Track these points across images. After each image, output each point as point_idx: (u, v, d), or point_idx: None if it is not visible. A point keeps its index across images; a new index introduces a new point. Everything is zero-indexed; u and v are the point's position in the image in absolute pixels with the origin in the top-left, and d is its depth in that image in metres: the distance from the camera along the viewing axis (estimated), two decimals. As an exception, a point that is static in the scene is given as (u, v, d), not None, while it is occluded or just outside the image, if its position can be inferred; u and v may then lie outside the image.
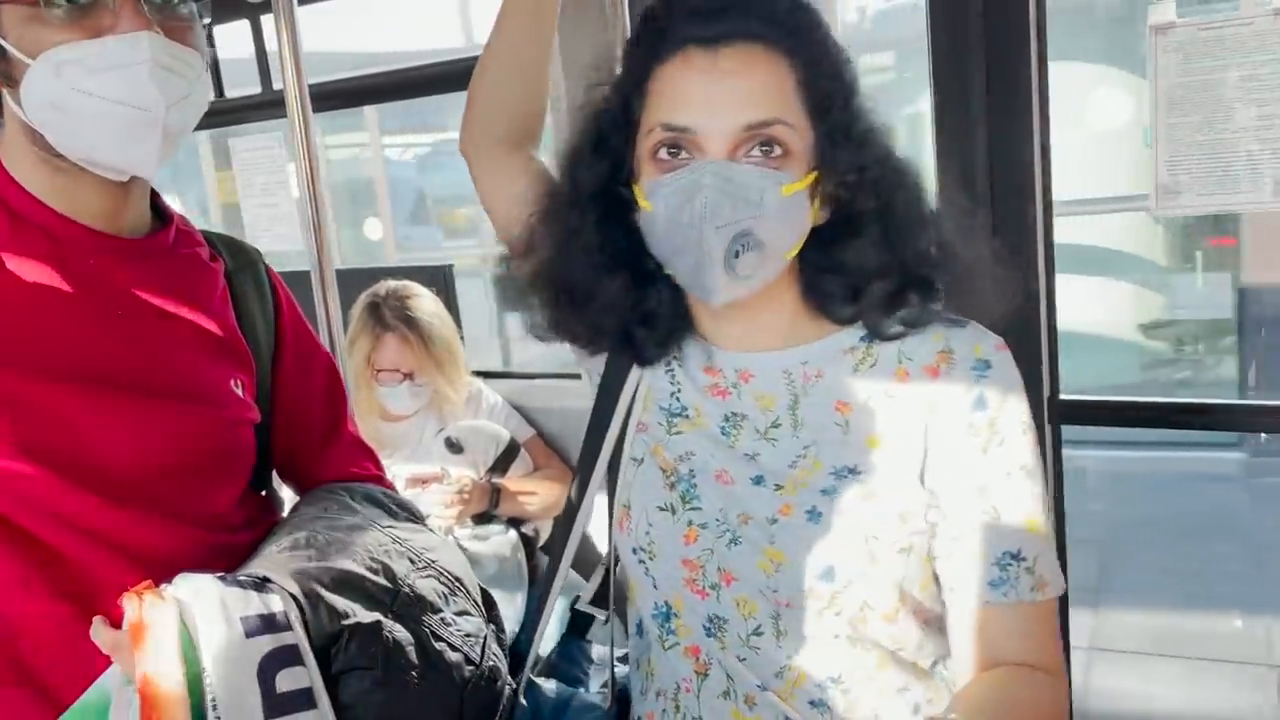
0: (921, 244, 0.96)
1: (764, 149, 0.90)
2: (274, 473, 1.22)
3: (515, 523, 2.38)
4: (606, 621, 1.16)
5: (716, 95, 0.89)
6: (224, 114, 2.79)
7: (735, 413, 1.01)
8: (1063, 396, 1.91)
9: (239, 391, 1.08)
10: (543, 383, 2.58)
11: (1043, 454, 1.01)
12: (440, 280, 2.63)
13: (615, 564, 1.10)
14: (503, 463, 2.38)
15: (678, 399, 1.04)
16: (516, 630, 1.18)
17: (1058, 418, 1.90)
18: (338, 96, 2.54)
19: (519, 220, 1.06)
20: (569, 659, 1.17)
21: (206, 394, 1.05)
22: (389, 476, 1.30)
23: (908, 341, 0.97)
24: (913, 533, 0.94)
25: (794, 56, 0.91)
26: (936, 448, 0.94)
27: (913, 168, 0.97)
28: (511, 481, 2.37)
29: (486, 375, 2.61)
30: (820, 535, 0.94)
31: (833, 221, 0.97)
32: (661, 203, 0.92)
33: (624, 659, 1.16)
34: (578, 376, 2.42)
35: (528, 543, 2.38)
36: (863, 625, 0.95)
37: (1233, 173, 1.71)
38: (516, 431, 2.45)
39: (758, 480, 0.98)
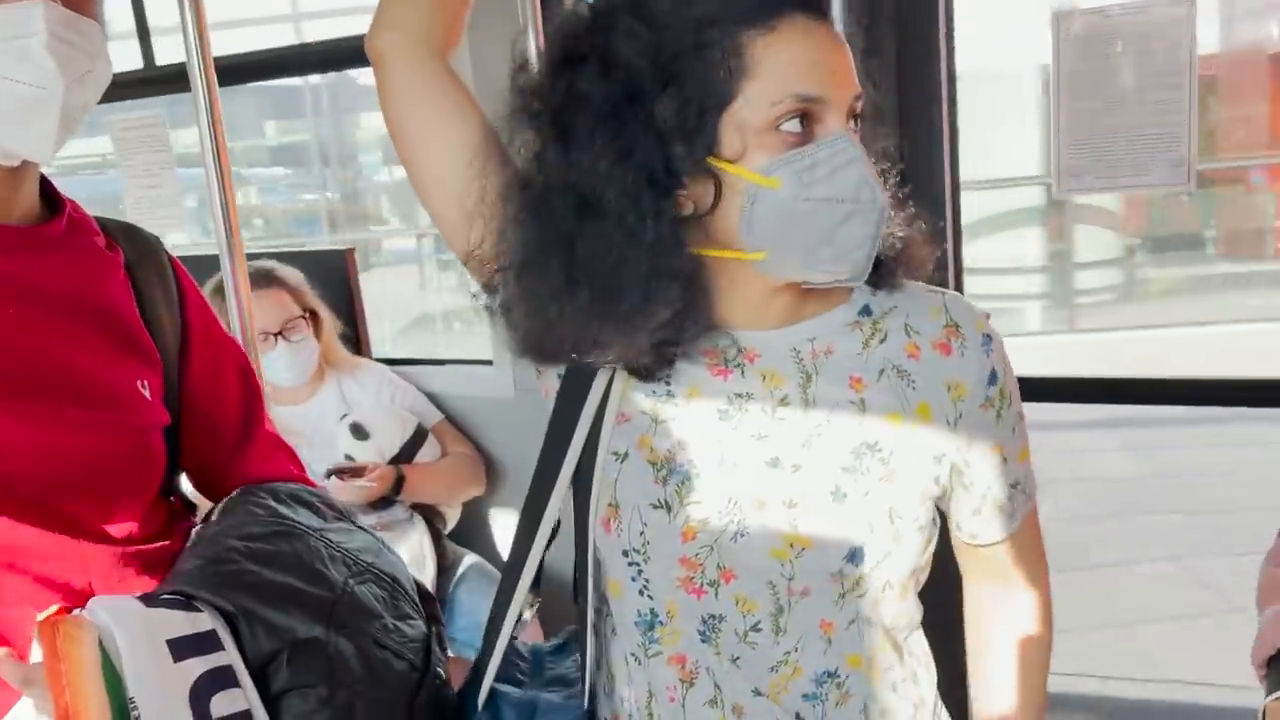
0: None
1: (854, 121, 0.90)
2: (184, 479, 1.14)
3: (422, 510, 2.33)
4: (531, 618, 1.09)
5: (836, 65, 0.87)
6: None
7: (739, 393, 0.95)
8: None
9: (146, 393, 1.00)
10: (451, 369, 2.54)
11: None
12: (338, 266, 2.55)
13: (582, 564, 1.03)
14: (410, 449, 2.32)
15: (667, 383, 0.96)
16: None
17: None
18: (244, 70, 2.43)
19: (451, 161, 0.96)
20: (504, 659, 1.08)
21: (111, 398, 0.97)
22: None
23: (911, 314, 0.96)
24: (930, 510, 0.97)
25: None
26: (961, 432, 0.96)
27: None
28: (419, 467, 2.32)
29: (394, 362, 2.55)
30: (846, 516, 0.92)
31: None
32: (799, 178, 0.85)
33: (561, 647, 1.13)
34: (487, 363, 2.41)
35: (435, 530, 2.34)
36: (879, 606, 0.96)
37: (1130, 156, 1.77)
38: (425, 417, 2.40)
39: (773, 463, 0.93)
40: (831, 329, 0.96)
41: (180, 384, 1.08)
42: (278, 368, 2.29)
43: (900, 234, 0.98)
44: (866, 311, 0.97)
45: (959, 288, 1.93)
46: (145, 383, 1.01)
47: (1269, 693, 0.94)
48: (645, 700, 1.00)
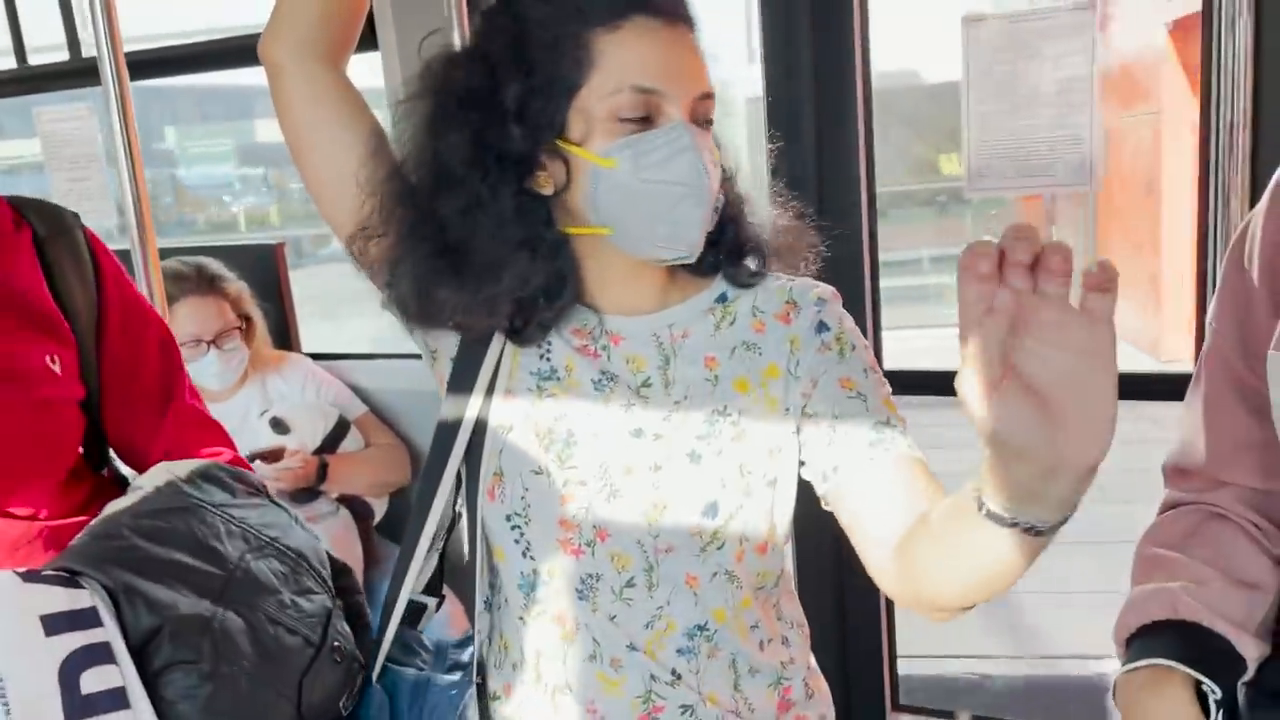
0: (750, 206, 1.08)
1: (706, 122, 0.98)
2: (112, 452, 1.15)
3: (346, 501, 2.33)
4: (438, 609, 1.14)
5: (680, 63, 0.96)
6: (28, 81, 2.62)
7: (606, 372, 1.03)
8: (887, 368, 1.99)
9: (55, 367, 1.01)
10: (379, 363, 2.54)
11: None
12: (268, 260, 2.54)
13: (466, 543, 1.07)
14: (332, 441, 2.32)
15: (548, 361, 1.05)
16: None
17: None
18: (154, 65, 2.41)
19: (343, 163, 1.02)
20: (406, 650, 1.14)
21: (13, 373, 0.98)
22: None
23: (758, 297, 1.06)
24: (779, 465, 1.02)
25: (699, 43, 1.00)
26: (804, 376, 1.02)
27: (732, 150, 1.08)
28: (342, 456, 2.32)
29: (319, 356, 2.55)
30: (702, 475, 0.99)
31: None
32: (632, 160, 0.94)
33: (467, 639, 1.15)
34: (415, 357, 2.41)
35: (361, 522, 2.34)
36: (739, 561, 1.02)
37: (1036, 157, 1.82)
38: (348, 409, 2.39)
39: (636, 433, 1.01)
40: (689, 316, 1.05)
41: (98, 358, 1.09)
42: (206, 374, 2.28)
43: (782, 233, 1.08)
44: (723, 299, 1.06)
45: (875, 303, 1.97)
46: (55, 357, 1.02)
47: (1124, 665, 0.96)
48: (535, 661, 1.05)
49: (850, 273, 1.96)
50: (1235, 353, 1.02)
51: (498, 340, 1.05)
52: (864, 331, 1.88)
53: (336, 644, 1.03)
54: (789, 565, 1.13)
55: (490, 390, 1.05)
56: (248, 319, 2.36)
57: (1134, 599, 1.01)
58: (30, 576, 0.88)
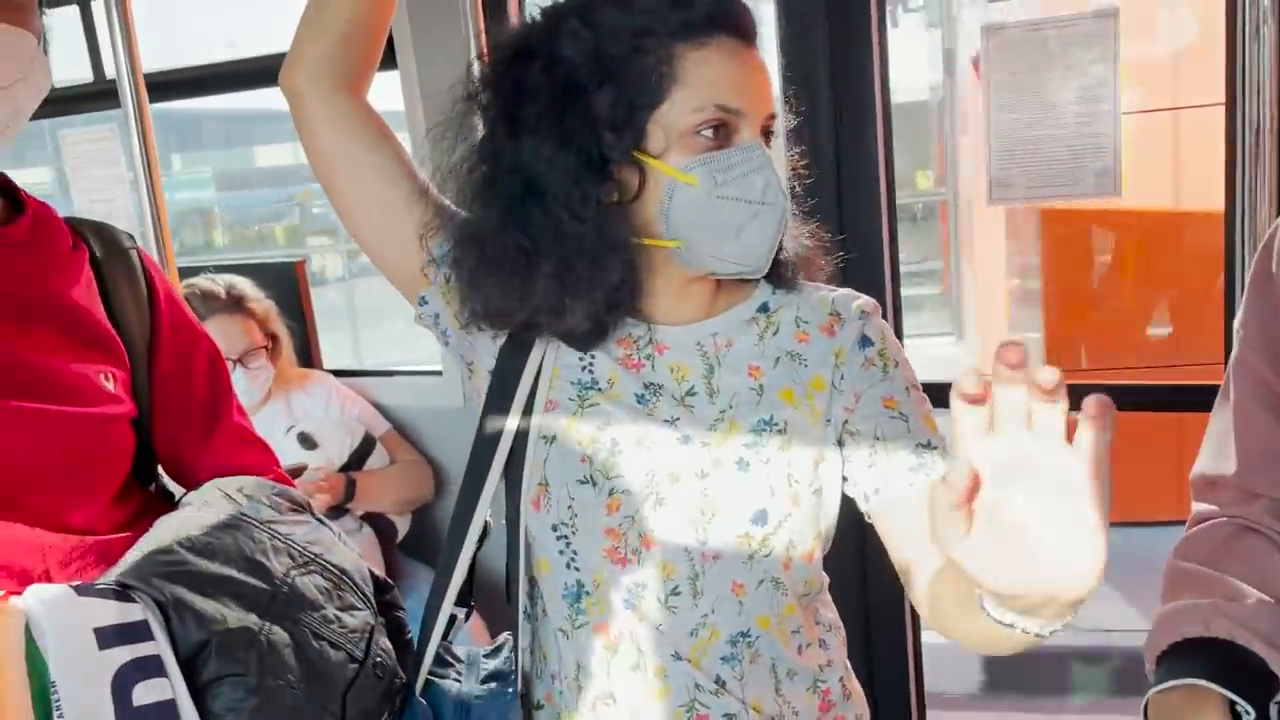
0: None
1: (765, 138, 1.00)
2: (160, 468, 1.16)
3: (370, 519, 2.34)
4: (467, 619, 1.14)
5: (754, 84, 0.98)
6: (51, 104, 2.65)
7: (652, 383, 1.04)
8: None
9: (110, 386, 1.03)
10: (400, 379, 2.55)
11: None
12: (289, 277, 2.56)
13: (512, 552, 1.08)
14: (358, 457, 2.33)
15: (590, 372, 1.05)
16: None
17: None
18: (174, 87, 2.43)
19: (367, 186, 1.04)
20: (440, 662, 1.14)
21: (71, 391, 0.99)
22: None
23: (801, 308, 1.07)
24: (824, 475, 1.03)
25: None
26: (847, 390, 1.03)
27: None
28: (369, 474, 2.33)
29: (342, 373, 2.56)
30: (751, 482, 1.00)
31: None
32: (712, 177, 0.96)
33: (498, 649, 1.16)
34: (437, 374, 2.42)
35: (385, 539, 2.35)
36: (786, 569, 1.03)
37: (1058, 166, 1.82)
38: (372, 426, 2.40)
39: (684, 440, 1.02)
40: (732, 325, 1.07)
41: (149, 377, 1.11)
42: (235, 390, 2.30)
43: (804, 243, 1.10)
44: (764, 308, 1.07)
45: (896, 310, 1.97)
46: (109, 375, 1.03)
47: (1155, 685, 0.95)
48: (574, 673, 1.06)
49: (871, 283, 1.96)
50: (1263, 361, 1.02)
51: (538, 350, 1.06)
52: None
53: (379, 660, 1.03)
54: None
55: (530, 401, 1.05)
56: (274, 337, 2.38)
57: (1165, 616, 1.00)
58: (83, 590, 0.89)
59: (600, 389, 1.04)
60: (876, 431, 1.02)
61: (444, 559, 1.08)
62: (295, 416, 2.38)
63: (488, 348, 1.08)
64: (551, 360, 1.06)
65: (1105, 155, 1.79)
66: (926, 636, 2.14)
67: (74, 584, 0.89)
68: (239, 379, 2.29)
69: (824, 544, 1.07)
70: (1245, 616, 0.95)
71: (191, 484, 1.14)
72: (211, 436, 1.17)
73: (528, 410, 1.05)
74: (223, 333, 2.28)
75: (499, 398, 1.06)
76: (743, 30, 0.98)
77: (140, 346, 1.09)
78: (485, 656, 1.16)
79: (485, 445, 1.06)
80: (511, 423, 1.05)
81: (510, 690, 1.09)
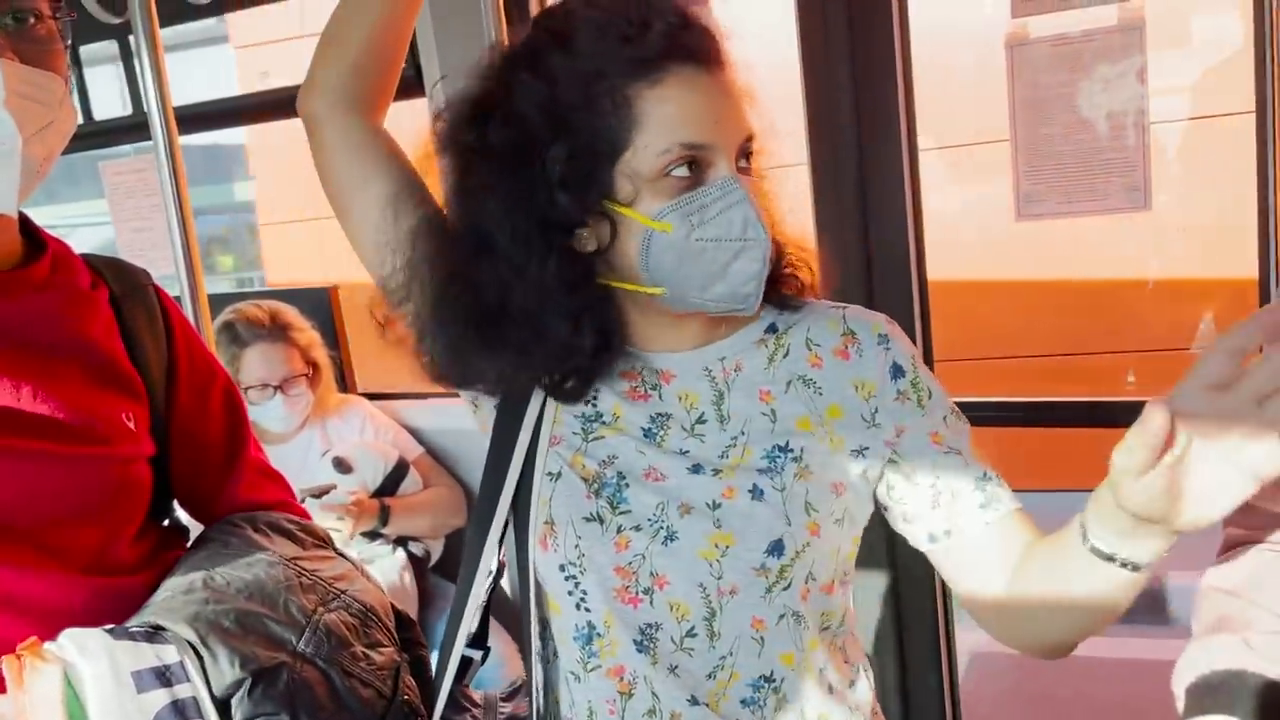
0: (785, 230, 1.05)
1: (745, 161, 0.96)
2: (175, 503, 1.16)
3: (403, 542, 2.35)
4: (483, 661, 1.11)
5: (723, 113, 0.93)
6: (92, 136, 2.71)
7: (659, 413, 1.01)
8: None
9: (131, 425, 1.02)
10: (432, 403, 2.57)
11: None
12: (323, 302, 2.59)
13: (518, 593, 1.05)
14: (392, 482, 2.35)
15: (594, 405, 1.02)
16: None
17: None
18: (207, 118, 2.48)
19: (376, 212, 1.02)
20: (456, 707, 1.11)
21: (95, 432, 0.99)
22: None
23: (811, 329, 1.03)
24: (845, 504, 1.00)
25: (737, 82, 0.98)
26: (885, 424, 1.00)
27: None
28: (401, 499, 2.35)
29: (374, 396, 2.58)
30: (766, 511, 0.96)
31: None
32: (687, 220, 0.92)
33: (515, 691, 1.15)
34: (465, 395, 2.44)
35: (417, 563, 2.36)
36: (805, 600, 0.99)
37: (1087, 180, 1.79)
38: (406, 450, 2.42)
39: (695, 469, 0.98)
40: (740, 348, 1.03)
41: (168, 414, 1.10)
42: (271, 417, 2.35)
43: (804, 257, 1.06)
44: (772, 329, 1.04)
45: (925, 331, 1.95)
46: (130, 415, 1.03)
47: (1186, 717, 0.94)
48: (586, 717, 1.02)
49: (898, 296, 1.93)
50: None
51: (553, 398, 1.03)
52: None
53: (406, 697, 1.04)
54: (851, 604, 1.10)
55: (535, 437, 1.02)
56: (315, 365, 2.40)
57: (1197, 647, 0.98)
58: (118, 633, 0.90)
59: (605, 422, 1.01)
60: (934, 471, 0.99)
61: (455, 602, 1.06)
62: (330, 441, 2.41)
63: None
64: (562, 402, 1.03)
65: (1134, 169, 1.76)
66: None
67: (108, 628, 0.90)
68: (278, 405, 2.32)
69: (848, 574, 1.04)
70: (1278, 650, 0.93)
71: (209, 519, 1.13)
72: (230, 471, 1.16)
73: (533, 447, 1.02)
74: (265, 359, 2.32)
75: (503, 435, 1.04)
76: (703, 56, 0.93)
77: (158, 384, 1.09)
78: (503, 700, 1.15)
79: (492, 484, 1.03)
80: (517, 461, 1.02)
81: None
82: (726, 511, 0.96)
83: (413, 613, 2.28)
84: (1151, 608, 3.49)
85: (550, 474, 1.01)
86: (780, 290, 1.04)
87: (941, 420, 1.01)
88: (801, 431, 0.99)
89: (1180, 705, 0.96)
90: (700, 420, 1.01)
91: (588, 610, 0.99)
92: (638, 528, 0.97)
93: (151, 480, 1.07)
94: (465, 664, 1.09)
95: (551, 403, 1.03)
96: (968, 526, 0.99)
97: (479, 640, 1.10)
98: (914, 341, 1.92)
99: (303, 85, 1.08)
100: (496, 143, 0.95)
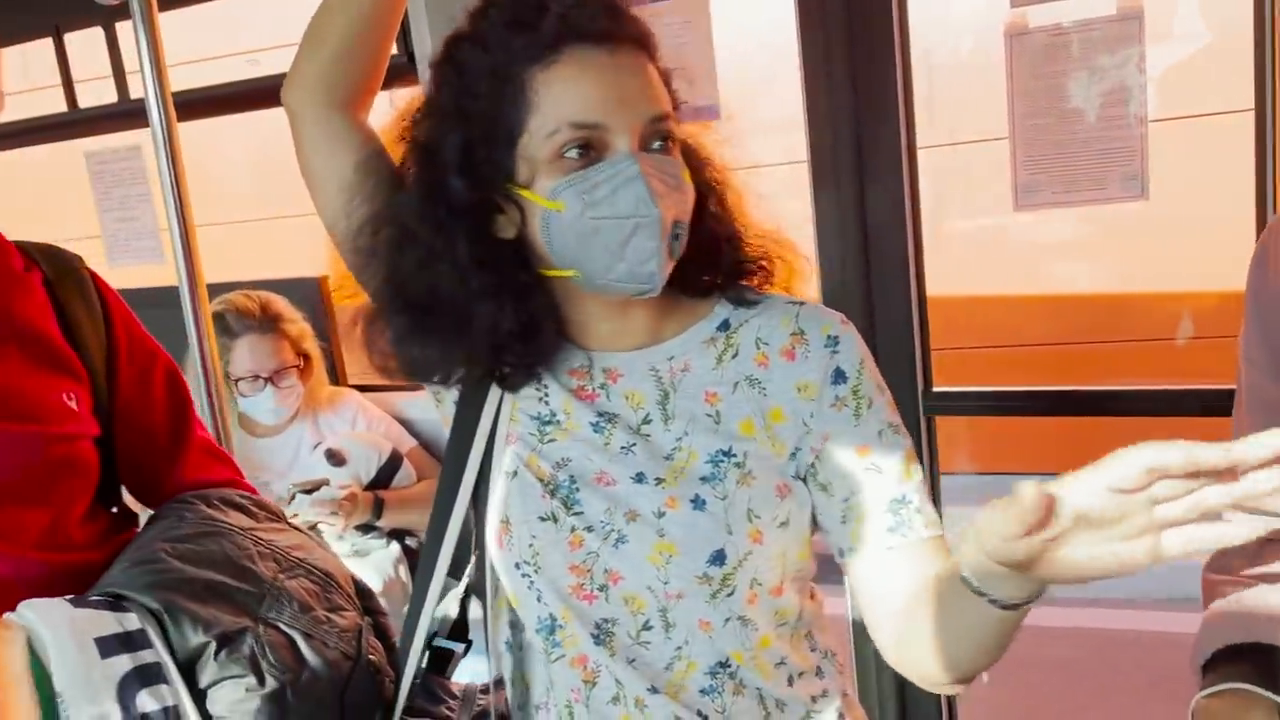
0: (746, 221, 1.05)
1: (660, 142, 0.95)
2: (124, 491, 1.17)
3: (398, 535, 2.34)
4: (465, 654, 1.12)
5: (622, 92, 0.92)
6: (77, 125, 2.68)
7: (605, 412, 1.01)
8: (935, 388, 1.97)
9: (73, 404, 1.03)
10: (425, 394, 2.55)
11: (918, 446, 1.07)
12: (312, 293, 2.57)
13: (480, 588, 1.06)
14: (385, 474, 2.34)
15: (547, 404, 1.03)
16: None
17: (931, 409, 1.97)
18: (203, 104, 2.45)
19: (341, 197, 1.02)
20: (433, 698, 1.11)
21: (35, 411, 1.00)
22: (269, 498, 1.23)
23: (762, 327, 1.02)
24: (789, 507, 0.99)
25: (652, 56, 0.97)
26: (815, 430, 0.99)
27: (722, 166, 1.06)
28: (395, 492, 2.33)
29: (366, 388, 2.57)
30: (707, 522, 0.96)
31: None
32: (579, 199, 0.92)
33: (497, 682, 1.14)
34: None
35: (412, 555, 2.34)
36: (753, 604, 0.98)
37: (1086, 170, 1.80)
38: (398, 442, 2.41)
39: (639, 478, 0.98)
40: (688, 348, 1.03)
41: (110, 397, 1.11)
42: (262, 409, 2.33)
43: (774, 249, 1.06)
44: (724, 326, 1.03)
45: (923, 321, 1.95)
46: (72, 395, 1.04)
47: (1202, 690, 0.94)
48: (560, 704, 1.03)
49: (895, 293, 1.94)
50: (1270, 379, 0.99)
51: (496, 385, 1.04)
52: (910, 360, 1.90)
53: (372, 658, 1.05)
54: (812, 598, 1.09)
55: (493, 435, 1.03)
56: (306, 356, 2.39)
57: (1207, 624, 0.99)
58: (79, 602, 0.90)
59: (558, 422, 1.02)
60: (849, 486, 0.98)
61: (414, 594, 1.06)
62: (322, 434, 2.39)
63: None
64: (512, 394, 1.04)
65: (1132, 159, 1.77)
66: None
67: (68, 597, 0.90)
68: (269, 397, 2.31)
69: (798, 573, 1.03)
70: None
71: (157, 501, 1.14)
72: (177, 453, 1.18)
73: (490, 445, 1.03)
74: (254, 351, 2.30)
75: (461, 432, 1.04)
76: (599, 35, 0.93)
77: (99, 366, 1.09)
78: (482, 692, 1.14)
79: (450, 481, 1.04)
80: (475, 458, 1.03)
81: None
82: (670, 521, 0.97)
83: (407, 606, 2.28)
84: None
85: (507, 473, 1.02)
86: (737, 283, 1.04)
87: (876, 434, 0.99)
88: (744, 435, 0.99)
89: (1196, 682, 0.97)
90: (646, 420, 1.01)
91: (546, 604, 1.00)
92: (590, 528, 0.98)
93: (97, 461, 1.07)
94: (446, 656, 1.11)
95: (508, 400, 1.04)
96: (871, 549, 0.97)
97: (460, 633, 1.11)
98: (911, 333, 1.95)
99: (287, 76, 1.07)
100: (417, 135, 0.99)
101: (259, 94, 2.35)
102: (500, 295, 0.96)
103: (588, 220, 0.92)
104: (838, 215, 1.93)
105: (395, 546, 2.32)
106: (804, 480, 1.00)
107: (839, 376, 0.99)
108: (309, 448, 2.36)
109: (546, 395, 1.03)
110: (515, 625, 1.06)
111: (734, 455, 0.98)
